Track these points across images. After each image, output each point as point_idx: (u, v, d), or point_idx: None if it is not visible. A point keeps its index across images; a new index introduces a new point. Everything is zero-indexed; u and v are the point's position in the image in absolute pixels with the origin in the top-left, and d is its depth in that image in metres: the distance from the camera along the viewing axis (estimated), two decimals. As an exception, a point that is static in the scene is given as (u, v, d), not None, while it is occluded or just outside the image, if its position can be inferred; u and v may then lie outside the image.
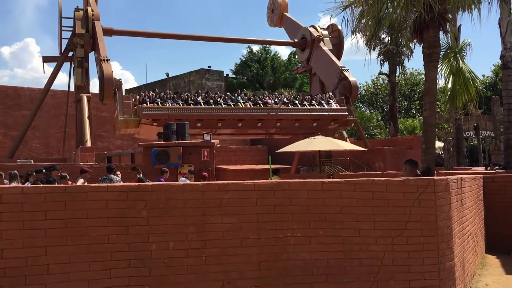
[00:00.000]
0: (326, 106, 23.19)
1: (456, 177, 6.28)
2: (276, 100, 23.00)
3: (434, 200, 5.26)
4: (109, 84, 20.03)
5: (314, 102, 23.29)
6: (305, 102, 23.02)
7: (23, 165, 16.76)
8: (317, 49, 26.90)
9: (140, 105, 20.22)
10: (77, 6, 24.35)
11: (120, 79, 20.89)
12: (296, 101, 23.12)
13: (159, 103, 20.58)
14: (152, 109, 20.03)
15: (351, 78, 24.27)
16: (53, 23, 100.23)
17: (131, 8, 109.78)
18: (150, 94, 21.11)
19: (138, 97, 21.03)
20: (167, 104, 20.60)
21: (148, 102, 20.38)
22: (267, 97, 23.16)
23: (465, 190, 6.74)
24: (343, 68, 24.94)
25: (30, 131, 25.90)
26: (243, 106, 21.84)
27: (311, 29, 27.49)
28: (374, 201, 5.19)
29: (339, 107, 23.43)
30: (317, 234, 5.08)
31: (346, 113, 23.43)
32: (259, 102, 22.61)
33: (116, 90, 20.45)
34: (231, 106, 21.53)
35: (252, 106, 22.01)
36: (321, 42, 26.78)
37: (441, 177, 5.67)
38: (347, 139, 25.90)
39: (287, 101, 23.18)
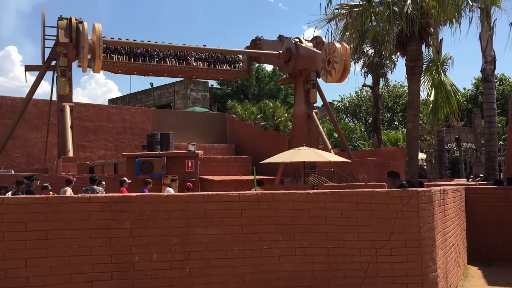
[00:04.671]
0: (231, 67, 29.78)
1: (439, 189, 6.34)
2: (196, 56, 28.42)
3: (418, 211, 5.30)
4: None
5: (225, 62, 29.54)
6: (218, 62, 29.20)
7: (3, 175, 16.47)
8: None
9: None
10: (61, 15, 24.17)
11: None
12: (212, 60, 29.13)
13: (108, 55, 25.49)
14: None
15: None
16: (35, 29, 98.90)
17: (116, 20, 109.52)
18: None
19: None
20: (114, 57, 25.83)
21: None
22: (189, 55, 28.15)
23: (448, 201, 6.81)
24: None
25: (11, 141, 25.44)
26: (170, 62, 27.25)
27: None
28: (359, 212, 5.21)
29: (241, 69, 29.94)
30: (302, 246, 5.07)
31: (245, 72, 30.60)
32: (183, 59, 27.88)
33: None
34: (160, 63, 27.17)
35: (176, 63, 27.57)
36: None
37: (424, 189, 5.73)
38: (331, 150, 26.00)
39: (204, 58, 28.82)
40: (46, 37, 24.48)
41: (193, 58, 28.04)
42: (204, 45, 27.60)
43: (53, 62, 24.35)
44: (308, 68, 26.43)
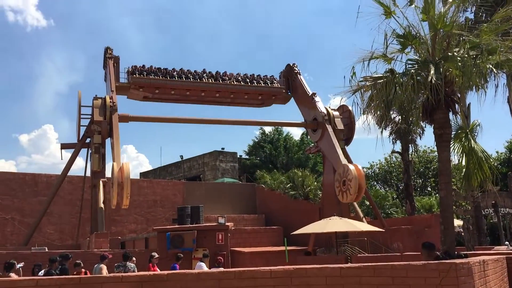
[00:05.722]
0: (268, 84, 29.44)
1: (478, 260, 6.10)
2: (232, 78, 28.59)
3: (457, 285, 5.08)
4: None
5: (261, 81, 29.33)
6: (254, 81, 28.94)
7: (37, 253, 16.66)
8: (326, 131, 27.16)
9: (130, 75, 26.58)
10: (96, 95, 25.39)
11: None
12: (248, 80, 28.97)
13: (145, 74, 26.82)
14: (139, 78, 26.65)
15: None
16: (71, 108, 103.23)
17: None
18: (139, 67, 27.02)
19: (129, 68, 27.06)
20: (151, 76, 26.81)
21: (137, 74, 26.58)
22: (226, 76, 28.55)
23: (489, 273, 6.52)
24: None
25: (45, 217, 25.97)
26: (207, 81, 27.61)
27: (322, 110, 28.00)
28: (395, 286, 5.04)
29: (278, 86, 29.39)
30: (337, 324, 4.89)
31: (283, 91, 29.51)
32: (219, 78, 28.23)
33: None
34: (197, 81, 27.54)
35: (213, 81, 27.86)
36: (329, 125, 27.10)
37: (463, 261, 5.53)
38: (363, 219, 25.50)
39: (240, 79, 28.82)
40: (82, 116, 25.59)
41: (228, 78, 28.45)
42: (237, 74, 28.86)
43: (88, 140, 25.26)
44: (329, 158, 26.68)
